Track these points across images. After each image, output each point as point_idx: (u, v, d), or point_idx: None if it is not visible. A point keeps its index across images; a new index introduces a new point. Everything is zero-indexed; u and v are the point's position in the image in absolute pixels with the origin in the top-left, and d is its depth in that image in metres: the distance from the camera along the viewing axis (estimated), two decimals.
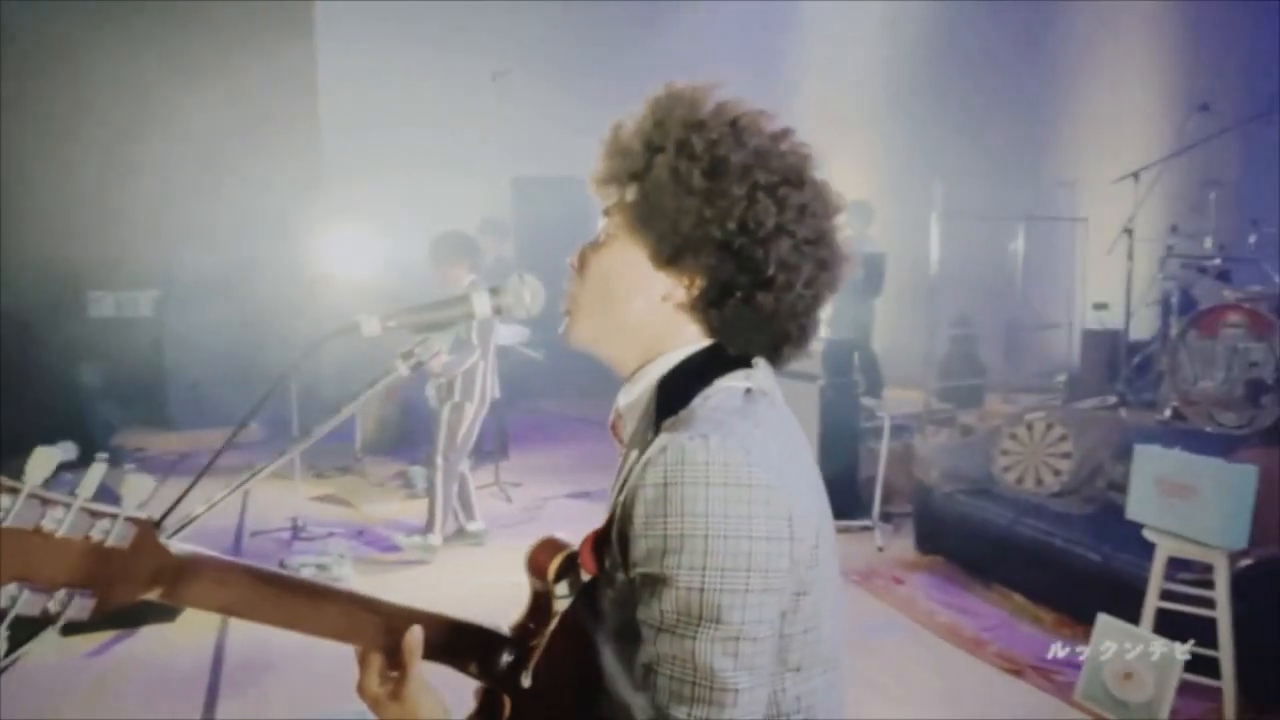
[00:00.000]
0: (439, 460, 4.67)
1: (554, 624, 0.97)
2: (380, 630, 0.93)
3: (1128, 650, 3.13)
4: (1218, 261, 5.02)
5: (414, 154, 8.41)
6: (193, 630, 3.82)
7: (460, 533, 4.97)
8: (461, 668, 0.98)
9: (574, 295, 1.04)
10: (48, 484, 0.77)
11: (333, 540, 4.90)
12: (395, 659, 0.95)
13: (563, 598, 0.99)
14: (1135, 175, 5.71)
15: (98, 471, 0.79)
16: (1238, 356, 4.41)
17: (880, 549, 4.75)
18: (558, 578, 1.00)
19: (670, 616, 0.84)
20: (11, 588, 0.75)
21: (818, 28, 8.37)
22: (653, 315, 0.99)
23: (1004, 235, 7.23)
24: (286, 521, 5.03)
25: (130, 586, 0.81)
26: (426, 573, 4.58)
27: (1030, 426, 4.59)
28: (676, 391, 0.95)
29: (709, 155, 0.94)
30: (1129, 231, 5.70)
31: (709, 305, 0.97)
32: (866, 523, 4.90)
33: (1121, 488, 3.87)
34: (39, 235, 7.30)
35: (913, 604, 4.12)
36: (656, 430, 0.93)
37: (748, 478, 0.85)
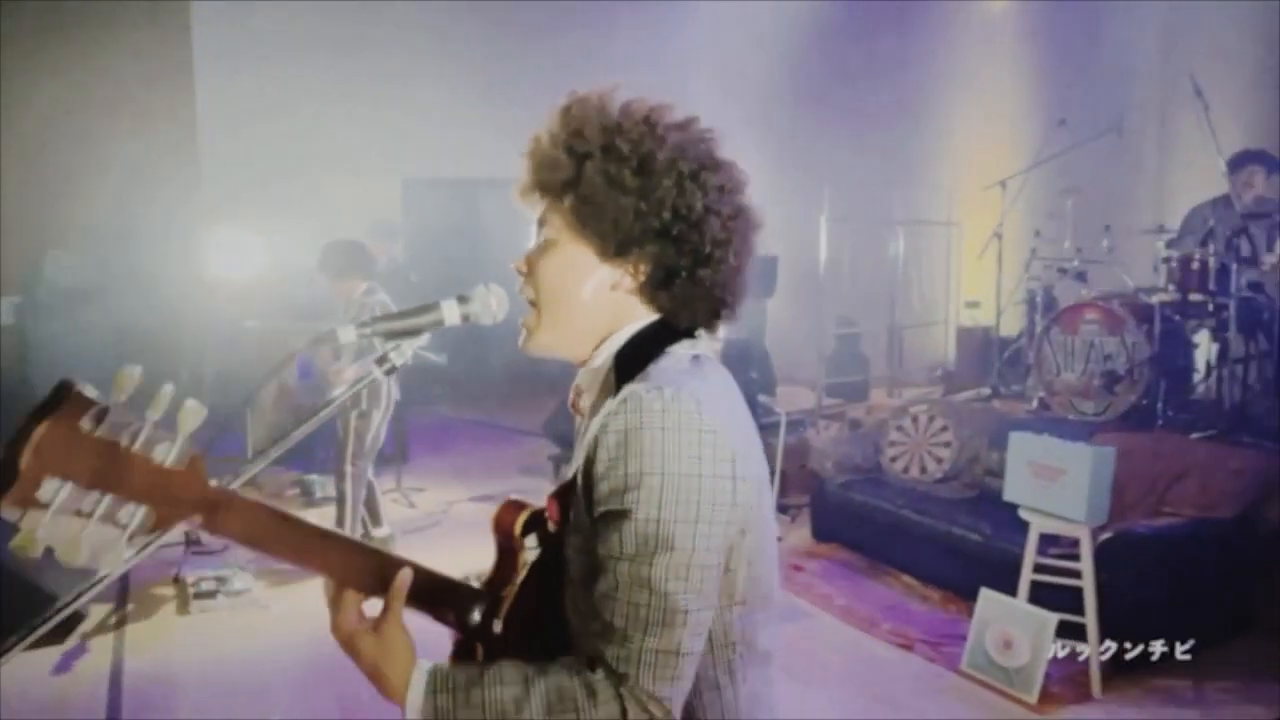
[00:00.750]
0: (347, 468, 4.59)
1: (523, 574, 1.05)
2: (372, 572, 1.00)
3: (1007, 620, 3.42)
4: (1076, 263, 5.47)
5: (300, 155, 8.17)
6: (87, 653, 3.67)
7: (366, 539, 4.90)
8: (440, 617, 1.05)
9: (531, 301, 1.12)
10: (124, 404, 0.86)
11: (230, 553, 4.74)
12: (382, 596, 1.01)
13: (531, 549, 1.07)
14: (1003, 184, 6.16)
15: (168, 394, 0.87)
16: (1094, 350, 4.83)
17: (779, 539, 4.93)
18: (524, 532, 1.08)
19: (629, 547, 0.94)
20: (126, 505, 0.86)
21: (710, 33, 8.60)
22: (605, 304, 1.09)
23: (885, 238, 7.63)
24: (179, 535, 4.84)
25: (181, 508, 0.90)
26: None
27: (914, 418, 4.89)
28: (633, 360, 1.06)
29: (635, 155, 1.04)
30: (998, 235, 6.14)
31: (657, 287, 1.08)
32: None
33: (997, 473, 4.20)
34: None
35: (811, 589, 4.34)
36: (611, 387, 1.05)
37: (698, 423, 0.96)
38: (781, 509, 5.17)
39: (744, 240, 1.10)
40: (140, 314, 7.08)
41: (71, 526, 0.85)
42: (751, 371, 5.58)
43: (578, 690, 0.93)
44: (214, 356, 6.65)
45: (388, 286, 6.33)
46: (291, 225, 7.36)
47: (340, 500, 4.65)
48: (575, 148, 1.06)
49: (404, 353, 1.11)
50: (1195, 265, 4.62)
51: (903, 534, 4.46)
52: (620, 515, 0.95)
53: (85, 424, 0.85)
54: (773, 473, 5.21)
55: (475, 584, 1.10)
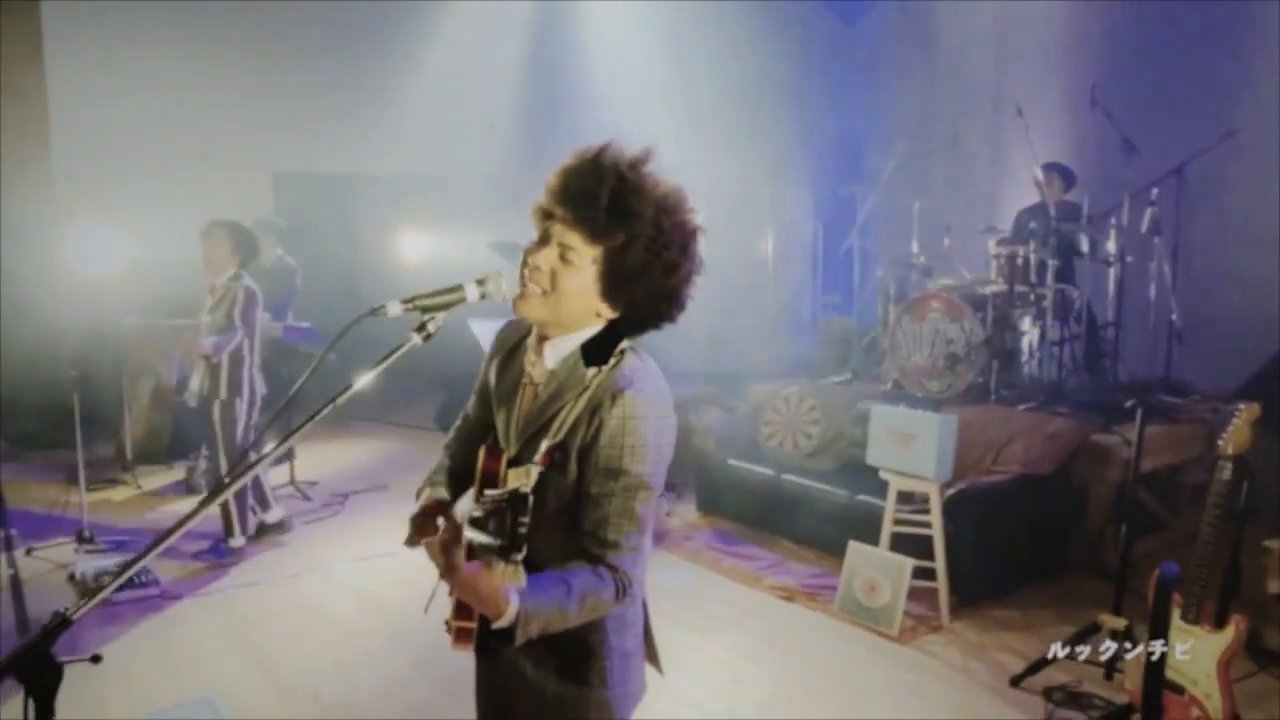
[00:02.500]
0: (223, 463, 4.58)
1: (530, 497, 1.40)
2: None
3: (871, 568, 3.94)
4: (922, 260, 6.15)
5: (164, 150, 7.94)
6: None
7: (262, 528, 4.94)
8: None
9: (544, 287, 1.45)
10: None
11: (125, 549, 4.72)
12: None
13: (519, 480, 1.45)
14: (865, 187, 6.81)
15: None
16: (939, 336, 5.47)
17: (668, 513, 5.37)
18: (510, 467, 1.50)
19: (621, 489, 1.42)
20: None
21: (588, 32, 8.94)
22: (584, 314, 1.48)
23: (754, 236, 8.21)
24: (68, 535, 4.77)
25: None
26: (248, 571, 4.58)
27: (787, 399, 5.40)
28: (595, 352, 1.49)
29: (668, 256, 1.41)
30: (859, 235, 6.79)
31: (635, 322, 1.49)
32: None
33: (859, 444, 4.73)
34: None
35: (700, 555, 4.77)
36: (591, 376, 1.47)
37: (666, 415, 1.47)
38: (669, 487, 5.58)
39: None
40: (5, 312, 6.78)
41: None
42: None
43: (596, 582, 1.39)
44: (83, 353, 6.44)
45: (274, 281, 6.35)
46: (163, 220, 7.19)
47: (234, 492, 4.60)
48: (630, 225, 1.39)
49: (438, 322, 1.40)
50: (1019, 261, 5.34)
51: (778, 502, 4.96)
52: (619, 471, 1.42)
53: None
54: None
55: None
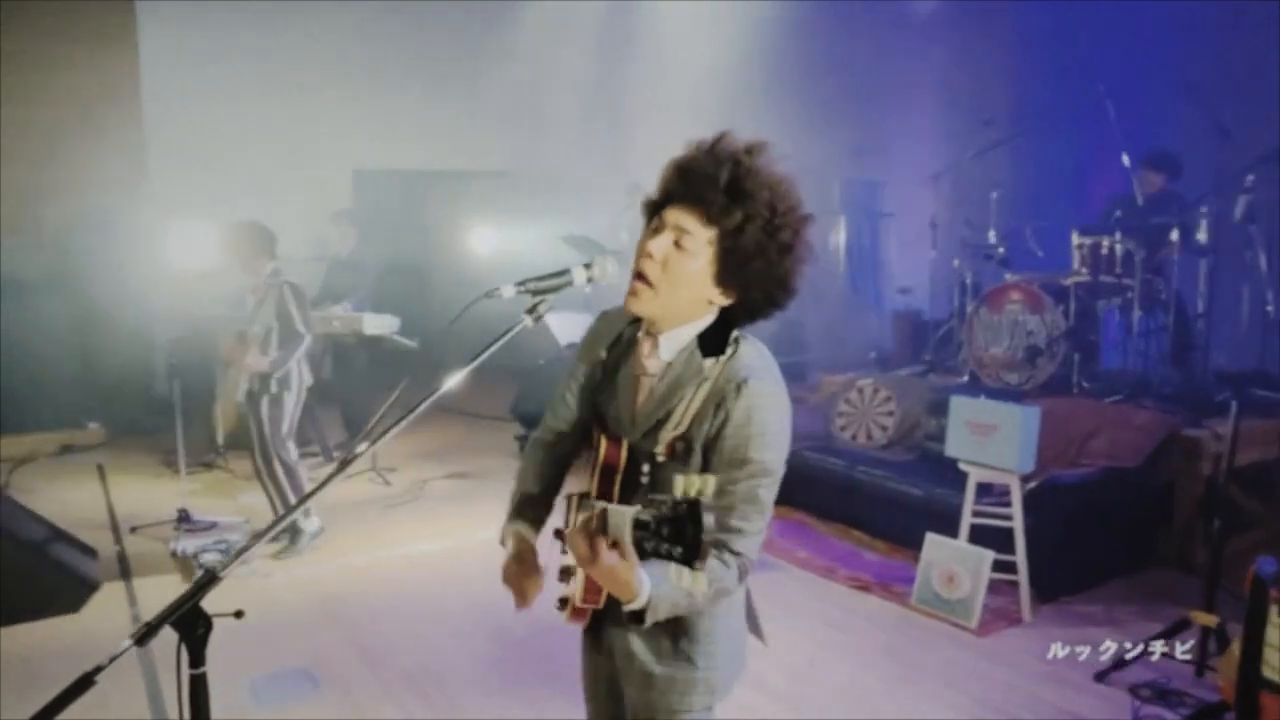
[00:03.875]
0: (274, 456, 4.54)
1: (646, 483, 1.50)
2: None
3: (949, 559, 3.91)
4: (1001, 250, 6.03)
5: (251, 149, 8.26)
6: (102, 618, 3.87)
7: (294, 531, 4.71)
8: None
9: (652, 282, 1.48)
10: None
11: (219, 529, 4.96)
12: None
13: (645, 474, 1.52)
14: (935, 177, 6.71)
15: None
16: (1018, 328, 5.38)
17: None
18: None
19: (747, 476, 1.44)
20: None
21: (662, 29, 8.97)
22: (698, 303, 1.50)
23: (826, 228, 8.14)
24: (169, 514, 5.03)
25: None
26: (330, 554, 4.76)
27: (861, 391, 5.38)
28: (711, 342, 1.51)
29: (782, 237, 1.43)
30: (933, 226, 6.69)
31: (737, 313, 1.51)
32: None
33: (935, 437, 4.69)
34: None
35: (773, 545, 4.78)
36: (710, 366, 1.49)
37: (785, 404, 1.50)
38: None
39: None
40: (98, 306, 7.15)
41: None
42: None
43: (722, 569, 1.41)
44: (179, 344, 6.76)
45: (351, 273, 6.56)
46: (248, 215, 7.49)
47: (278, 491, 4.58)
48: (747, 206, 1.41)
49: (549, 304, 1.47)
50: (1105, 251, 5.21)
51: (852, 494, 4.94)
52: (745, 460, 1.44)
53: None
54: None
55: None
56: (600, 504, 1.31)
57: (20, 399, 6.89)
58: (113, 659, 1.18)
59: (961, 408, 4.00)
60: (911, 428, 5.15)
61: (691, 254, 1.45)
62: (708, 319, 1.51)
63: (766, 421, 1.43)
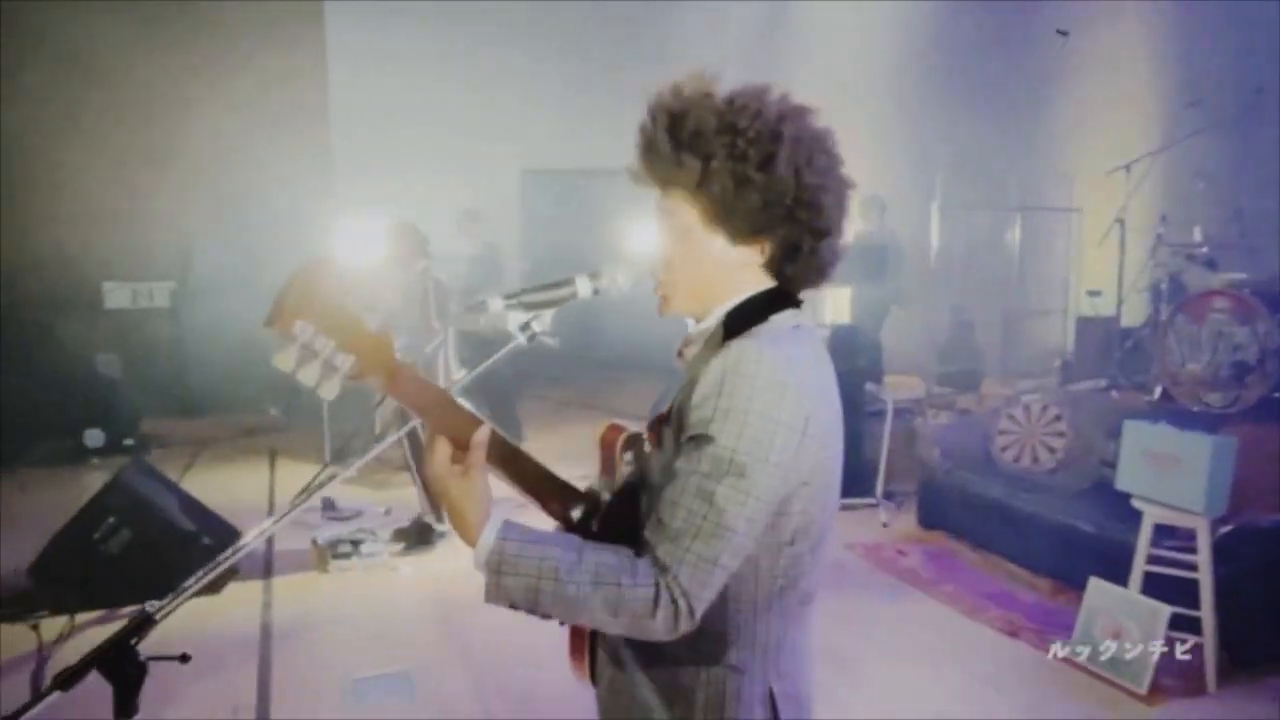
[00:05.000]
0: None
1: (619, 484, 1.25)
2: (471, 427, 1.19)
3: (1117, 610, 3.38)
4: (1205, 250, 5.24)
5: (424, 147, 8.60)
6: (238, 601, 4.06)
7: (425, 532, 4.72)
8: (546, 507, 1.23)
9: (667, 282, 1.25)
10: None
11: (362, 518, 5.12)
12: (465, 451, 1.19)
13: (627, 464, 1.28)
14: (1127, 167, 5.94)
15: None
16: (1223, 340, 4.64)
17: (885, 524, 4.98)
18: (624, 449, 1.30)
19: (705, 465, 1.09)
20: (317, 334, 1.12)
21: (819, 24, 8.56)
22: (730, 276, 1.23)
23: (1001, 225, 7.45)
24: (318, 500, 5.25)
25: (374, 362, 1.14)
26: (452, 555, 4.80)
27: (1027, 408, 4.82)
28: (740, 322, 1.20)
29: (756, 154, 1.15)
30: (1121, 221, 5.93)
31: (782, 263, 1.22)
32: (871, 500, 5.14)
33: (1113, 464, 4.10)
34: (55, 228, 7.49)
35: (916, 575, 4.36)
36: (719, 342, 1.19)
37: (783, 378, 1.11)
38: (888, 495, 5.19)
39: (846, 208, 1.23)
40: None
41: (308, 359, 1.13)
42: (859, 359, 5.57)
43: (623, 567, 1.09)
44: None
45: (483, 270, 6.65)
46: (421, 213, 7.78)
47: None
48: (698, 148, 1.17)
49: (544, 321, 1.27)
50: None
51: (1010, 522, 4.42)
52: (704, 439, 1.10)
53: (330, 283, 1.12)
54: (877, 460, 5.24)
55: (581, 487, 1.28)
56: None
57: (208, 385, 7.50)
58: (30, 706, 1.09)
59: (1137, 435, 3.44)
60: (1085, 452, 4.55)
61: (683, 231, 1.22)
62: (743, 293, 1.22)
63: (744, 395, 1.09)
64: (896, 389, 6.16)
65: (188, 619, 3.81)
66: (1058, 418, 4.70)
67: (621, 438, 1.30)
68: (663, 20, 8.94)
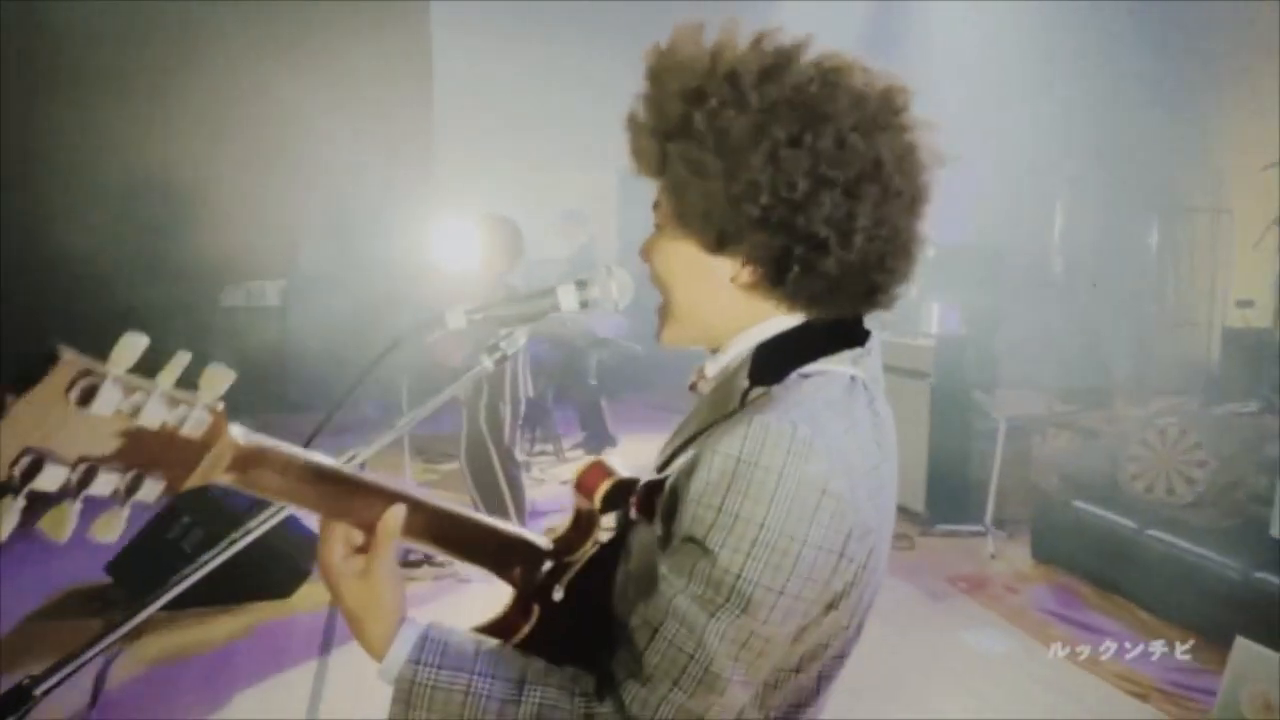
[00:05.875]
0: (496, 467, 4.33)
1: (592, 549, 0.98)
2: (372, 510, 0.90)
3: (1269, 677, 2.88)
4: None
5: (523, 148, 8.58)
6: (307, 605, 4.00)
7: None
8: (504, 575, 0.98)
9: (661, 294, 0.99)
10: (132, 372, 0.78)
11: None
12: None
13: (607, 529, 0.99)
14: None
15: (180, 361, 0.80)
16: None
17: (992, 556, 4.52)
18: (605, 505, 1.00)
19: (697, 587, 0.81)
20: (81, 468, 0.77)
21: (927, 26, 8.07)
22: (727, 298, 0.93)
23: (1137, 227, 6.78)
24: None
25: (202, 472, 0.82)
26: None
27: (1163, 432, 4.28)
28: (772, 362, 0.90)
29: (711, 131, 0.85)
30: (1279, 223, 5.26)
31: (772, 284, 0.90)
32: (978, 528, 4.68)
33: (1265, 500, 3.58)
34: (179, 229, 7.79)
35: (1026, 615, 3.91)
36: (743, 398, 0.89)
37: (823, 483, 0.80)
38: (997, 523, 4.72)
39: (885, 200, 0.86)
40: (380, 298, 7.72)
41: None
42: (968, 373, 5.10)
43: (575, 714, 0.83)
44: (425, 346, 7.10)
45: (584, 271, 6.47)
46: (511, 214, 7.74)
47: (500, 500, 4.28)
48: (658, 125, 0.90)
49: (516, 341, 1.03)
50: None
51: (1141, 562, 3.92)
52: (699, 549, 0.81)
53: (73, 395, 0.76)
54: (987, 483, 4.78)
55: (546, 543, 1.03)
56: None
57: (307, 382, 7.64)
58: None
59: None
60: (1231, 485, 3.99)
61: (660, 230, 0.95)
62: (770, 322, 0.92)
63: (760, 499, 0.79)
64: (1011, 405, 5.64)
65: (249, 627, 3.82)
66: (1198, 445, 4.15)
67: (604, 487, 1.01)
68: (765, 20, 8.63)
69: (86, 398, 0.74)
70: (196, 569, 1.11)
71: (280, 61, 7.73)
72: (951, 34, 7.82)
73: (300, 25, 7.86)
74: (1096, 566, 4.13)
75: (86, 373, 0.75)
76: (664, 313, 0.98)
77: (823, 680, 0.91)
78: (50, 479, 0.76)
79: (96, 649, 0.99)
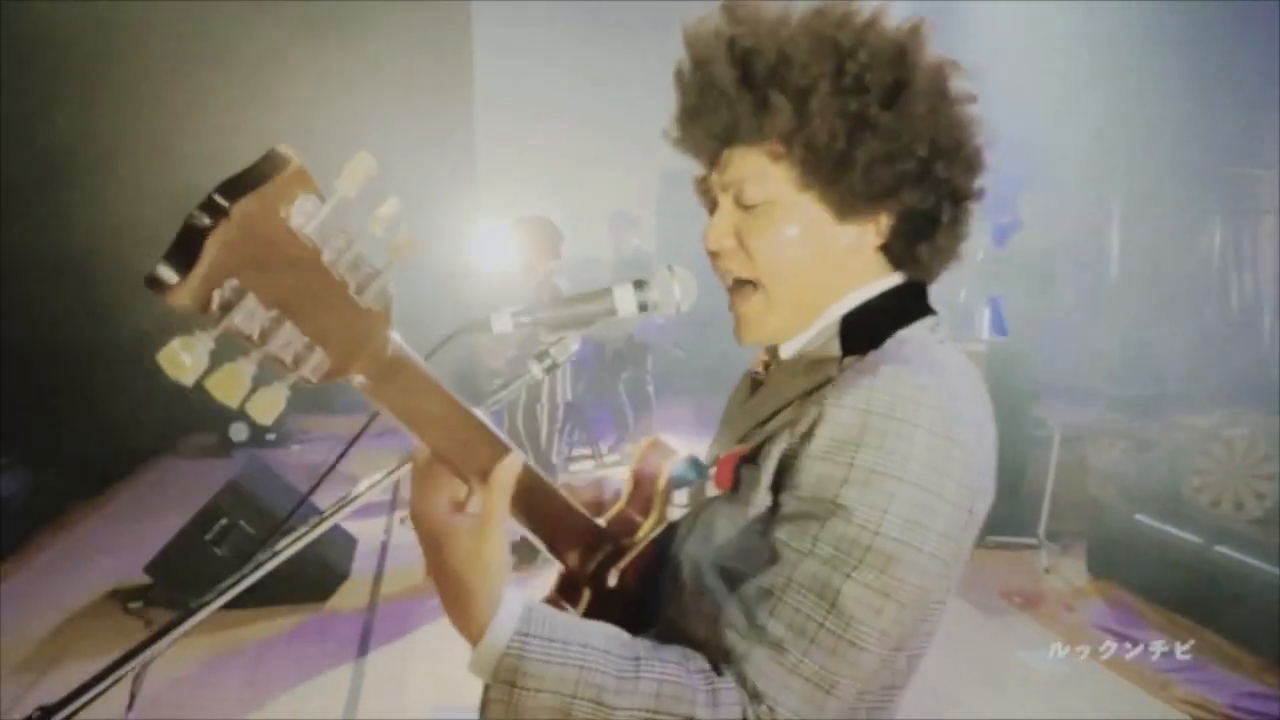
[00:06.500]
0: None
1: (657, 529, 0.92)
2: (492, 458, 0.77)
3: None
4: None
5: (563, 149, 8.55)
6: (343, 608, 3.97)
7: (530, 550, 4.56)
8: (561, 554, 0.89)
9: (754, 292, 0.90)
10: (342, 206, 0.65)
11: None
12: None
13: (680, 507, 0.92)
14: None
15: (393, 205, 0.69)
16: None
17: (1046, 570, 4.36)
18: (672, 483, 0.93)
19: (826, 547, 0.75)
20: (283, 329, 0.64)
21: (982, 29, 7.87)
22: (834, 270, 0.88)
23: (1197, 228, 6.53)
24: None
25: (358, 360, 0.69)
26: None
27: (1230, 443, 4.09)
28: (865, 331, 0.87)
29: (877, 84, 0.81)
30: None
31: (912, 240, 0.87)
32: (1031, 541, 4.51)
33: None
34: None
35: (1084, 633, 3.75)
36: (839, 364, 0.86)
37: (956, 433, 0.77)
38: (1051, 536, 4.54)
39: (984, 163, 0.89)
40: (421, 301, 7.70)
41: (236, 350, 0.64)
42: (1017, 377, 4.93)
43: (698, 689, 0.74)
44: (480, 343, 7.07)
45: (633, 274, 6.39)
46: (552, 215, 7.70)
47: None
48: (788, 81, 0.82)
49: (567, 347, 0.95)
50: None
51: (1207, 580, 3.74)
52: (829, 507, 0.76)
53: (296, 216, 0.63)
54: (1040, 494, 4.61)
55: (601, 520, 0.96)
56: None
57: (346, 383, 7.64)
58: None
59: None
60: None
61: (770, 204, 0.86)
62: (855, 293, 0.89)
63: (896, 450, 0.75)
64: (1063, 413, 5.45)
65: (290, 621, 3.80)
66: (1268, 457, 3.96)
67: (671, 463, 0.94)
68: None
69: (304, 222, 0.62)
70: (234, 583, 1.04)
71: (319, 64, 7.76)
72: (1008, 29, 7.63)
73: (341, 25, 7.89)
74: (1159, 583, 3.94)
75: (309, 185, 0.63)
76: (766, 304, 0.89)
77: (912, 661, 0.85)
78: (248, 319, 0.61)
79: (108, 681, 0.92)
